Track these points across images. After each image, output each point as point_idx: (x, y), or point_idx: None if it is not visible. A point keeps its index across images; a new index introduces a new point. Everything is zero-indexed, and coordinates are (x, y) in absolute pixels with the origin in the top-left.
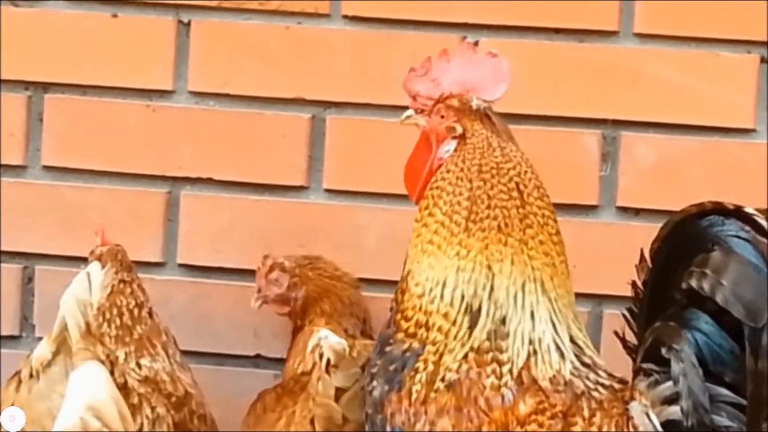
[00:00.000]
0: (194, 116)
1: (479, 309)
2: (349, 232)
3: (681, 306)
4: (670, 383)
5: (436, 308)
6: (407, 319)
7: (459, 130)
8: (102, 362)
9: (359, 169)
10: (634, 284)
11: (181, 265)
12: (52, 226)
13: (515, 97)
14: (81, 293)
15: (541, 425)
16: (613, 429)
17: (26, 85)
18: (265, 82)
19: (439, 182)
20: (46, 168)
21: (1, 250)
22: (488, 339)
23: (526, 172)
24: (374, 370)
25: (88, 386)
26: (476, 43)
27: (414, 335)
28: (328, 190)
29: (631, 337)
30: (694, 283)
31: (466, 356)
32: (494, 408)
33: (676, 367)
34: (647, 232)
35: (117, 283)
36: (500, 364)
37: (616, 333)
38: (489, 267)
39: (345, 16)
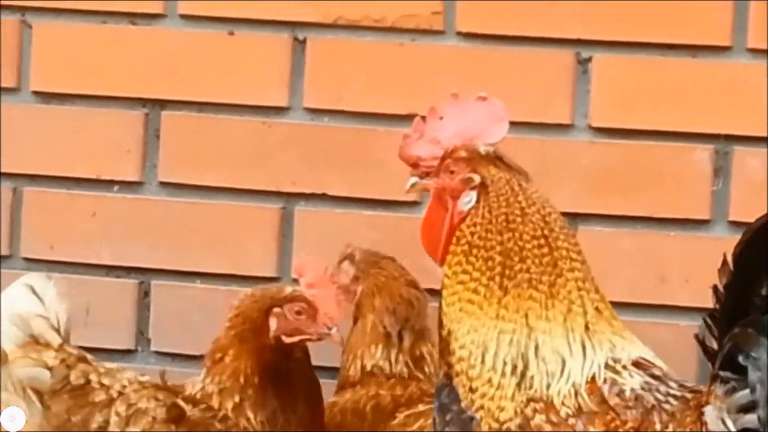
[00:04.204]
0: (309, 132)
1: (526, 367)
2: None
3: (761, 312)
4: (746, 391)
5: (478, 373)
6: (462, 385)
7: (477, 179)
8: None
9: None
10: (715, 288)
11: (295, 280)
12: (167, 241)
13: (629, 112)
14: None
15: None
16: None
17: (144, 102)
18: (379, 98)
19: (468, 237)
20: (163, 184)
21: (119, 266)
22: (537, 389)
23: (550, 213)
24: (447, 418)
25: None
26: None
27: (470, 402)
28: None
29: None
30: None
31: (517, 410)
32: None
33: (753, 375)
34: None
35: None
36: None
37: (696, 336)
38: (529, 325)
39: (459, 33)
